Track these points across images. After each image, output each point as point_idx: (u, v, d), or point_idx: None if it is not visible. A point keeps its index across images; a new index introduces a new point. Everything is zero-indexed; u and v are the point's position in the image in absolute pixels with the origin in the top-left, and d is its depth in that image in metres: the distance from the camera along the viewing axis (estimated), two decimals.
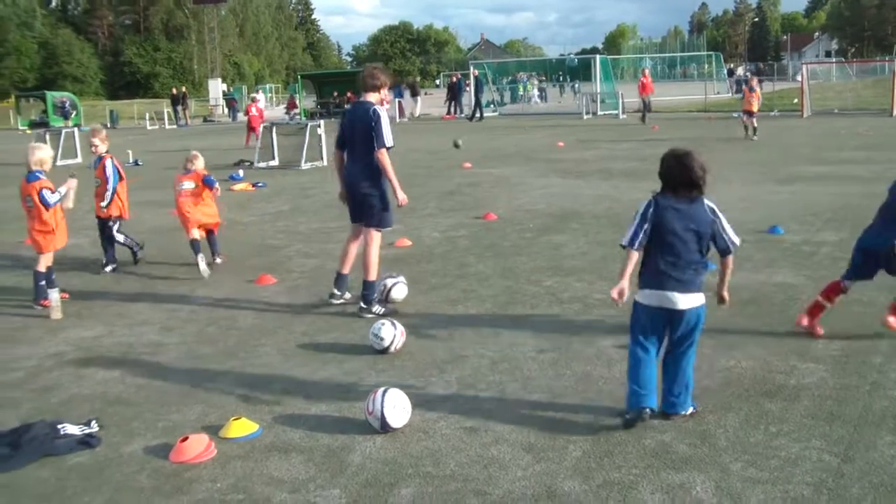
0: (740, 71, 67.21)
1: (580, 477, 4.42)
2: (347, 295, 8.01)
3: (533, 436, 4.95)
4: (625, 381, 5.21)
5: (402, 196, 7.67)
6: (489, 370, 6.09)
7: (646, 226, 4.92)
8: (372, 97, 7.60)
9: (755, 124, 23.88)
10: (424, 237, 11.24)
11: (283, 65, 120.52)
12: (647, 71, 37.44)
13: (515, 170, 19.06)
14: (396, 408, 5.04)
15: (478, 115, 40.20)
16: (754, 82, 25.92)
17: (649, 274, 4.97)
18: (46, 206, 8.13)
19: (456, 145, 20.90)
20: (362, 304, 7.68)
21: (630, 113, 36.66)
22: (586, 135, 28.68)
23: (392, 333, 6.50)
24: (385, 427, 5.02)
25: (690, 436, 4.86)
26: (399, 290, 8.13)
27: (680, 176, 4.94)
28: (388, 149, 7.44)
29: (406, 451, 4.83)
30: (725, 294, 5.28)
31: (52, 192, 8.15)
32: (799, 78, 39.58)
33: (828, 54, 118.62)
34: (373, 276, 7.67)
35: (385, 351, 6.50)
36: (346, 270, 7.99)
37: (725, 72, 68.31)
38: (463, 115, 43.40)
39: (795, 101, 37.91)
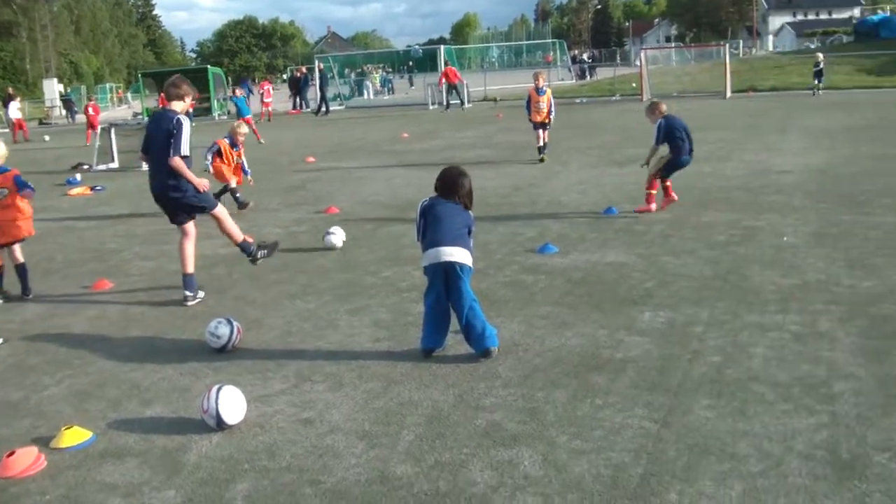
0: (585, 56, 69.06)
1: (412, 460, 4.54)
2: (201, 294, 8.08)
3: (368, 423, 5.05)
4: (458, 363, 5.86)
5: (200, 183, 7.84)
6: (326, 362, 6.16)
7: None
8: (177, 106, 7.80)
9: (546, 139, 17.38)
10: (266, 233, 11.14)
11: (124, 63, 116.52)
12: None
13: (359, 163, 19.17)
14: (231, 404, 5.06)
15: (323, 109, 40.07)
16: (541, 81, 17.38)
17: None
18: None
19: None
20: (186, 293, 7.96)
21: (475, 102, 37.23)
22: (431, 125, 28.97)
23: (228, 331, 6.49)
24: (221, 424, 5.04)
25: (520, 413, 5.05)
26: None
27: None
28: (183, 158, 7.61)
29: (242, 446, 4.86)
30: None
31: None
32: (638, 63, 40.98)
33: (668, 39, 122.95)
34: (238, 239, 8.24)
35: (223, 349, 6.49)
36: (190, 270, 8.01)
37: (569, 58, 70.08)
38: (309, 110, 43.15)
39: (634, 85, 39.31)
